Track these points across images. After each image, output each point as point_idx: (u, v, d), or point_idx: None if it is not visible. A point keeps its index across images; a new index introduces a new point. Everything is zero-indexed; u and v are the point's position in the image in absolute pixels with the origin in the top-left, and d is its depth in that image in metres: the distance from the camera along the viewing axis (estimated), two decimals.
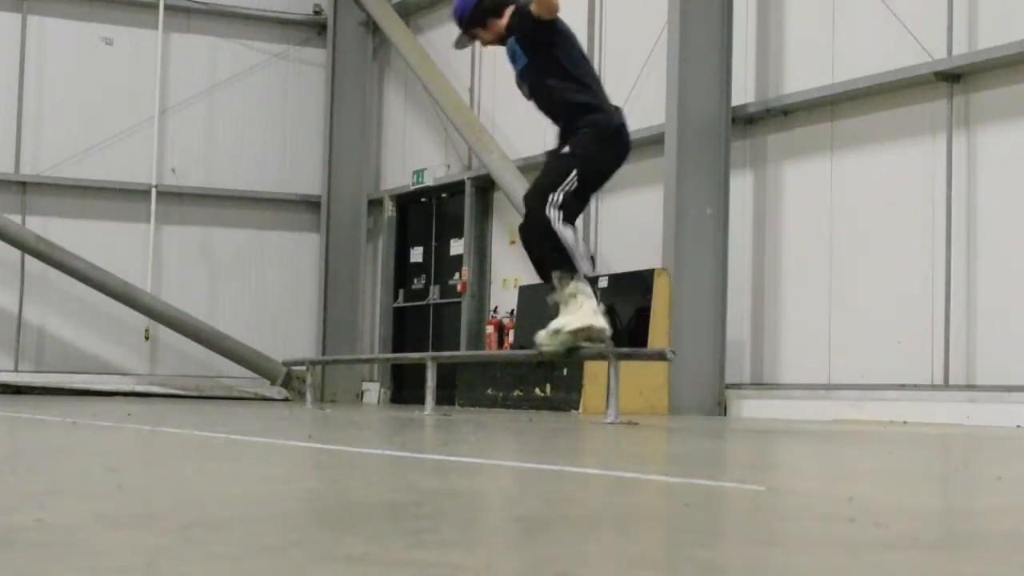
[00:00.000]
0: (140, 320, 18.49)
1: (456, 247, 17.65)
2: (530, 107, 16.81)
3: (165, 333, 18.60)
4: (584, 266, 7.69)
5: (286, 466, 4.41)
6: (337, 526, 2.48)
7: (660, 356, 10.24)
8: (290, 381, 18.84)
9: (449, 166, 18.03)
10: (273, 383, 18.92)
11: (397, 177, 19.17)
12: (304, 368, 15.49)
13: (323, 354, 18.88)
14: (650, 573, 1.95)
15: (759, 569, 2.03)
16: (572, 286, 7.61)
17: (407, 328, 18.79)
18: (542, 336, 7.78)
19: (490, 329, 16.24)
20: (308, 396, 14.52)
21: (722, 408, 12.85)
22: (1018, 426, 10.36)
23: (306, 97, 19.82)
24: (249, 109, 19.59)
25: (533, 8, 7.72)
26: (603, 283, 13.84)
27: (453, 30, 19.05)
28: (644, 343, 12.53)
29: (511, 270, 16.77)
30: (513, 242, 16.77)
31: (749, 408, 12.78)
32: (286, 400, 18.56)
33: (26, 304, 18.45)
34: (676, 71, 12.84)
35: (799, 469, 5.05)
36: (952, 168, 11.32)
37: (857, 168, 12.21)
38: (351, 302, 19.39)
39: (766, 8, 13.18)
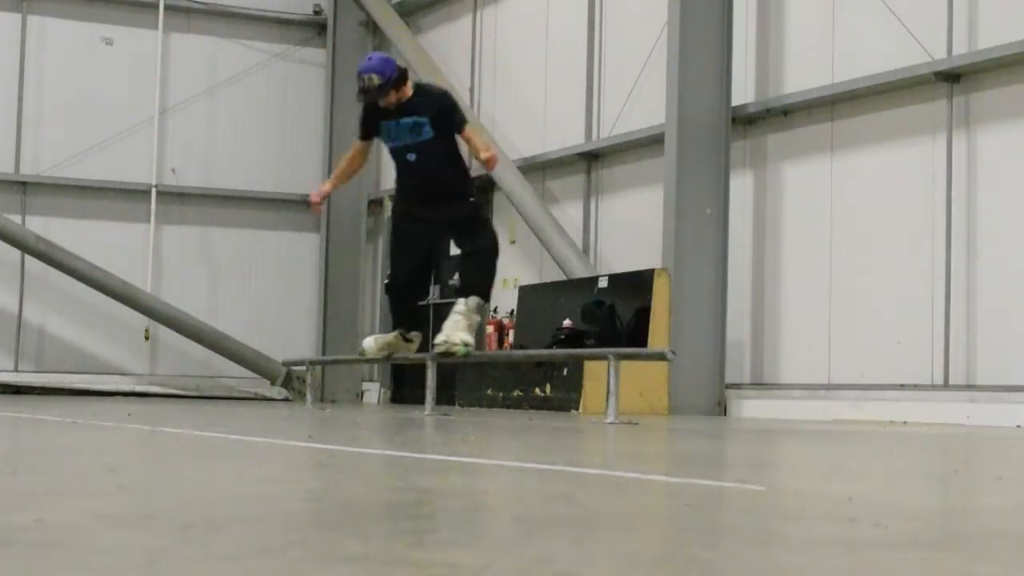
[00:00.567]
0: (140, 320, 18.48)
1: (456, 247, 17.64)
2: (530, 107, 16.87)
3: (165, 333, 18.60)
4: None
5: (286, 466, 4.41)
6: (337, 526, 2.48)
7: (660, 356, 10.24)
8: (290, 381, 18.84)
9: None
10: (273, 383, 18.92)
11: None
12: (304, 368, 15.49)
13: (323, 354, 18.88)
14: (650, 573, 1.95)
15: (759, 569, 2.03)
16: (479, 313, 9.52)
17: None
18: (468, 341, 9.60)
19: (490, 329, 16.23)
20: (308, 396, 14.52)
21: (722, 408, 12.85)
22: (1018, 426, 10.36)
23: (306, 97, 19.82)
24: (249, 109, 19.59)
25: (468, 135, 9.02)
26: (603, 283, 13.84)
27: (453, 30, 19.06)
28: (644, 343, 12.53)
29: (511, 270, 16.77)
30: (513, 241, 16.76)
31: (749, 408, 12.78)
32: (286, 400, 18.56)
33: (26, 304, 18.45)
34: (676, 71, 12.84)
35: (799, 469, 5.05)
36: (952, 168, 11.32)
37: (857, 168, 12.21)
38: (351, 302, 19.39)
39: (766, 8, 13.18)
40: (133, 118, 18.93)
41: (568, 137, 15.66)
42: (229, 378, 18.99)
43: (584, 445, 6.41)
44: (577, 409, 12.75)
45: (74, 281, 17.85)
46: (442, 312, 17.84)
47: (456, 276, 10.37)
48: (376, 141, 9.71)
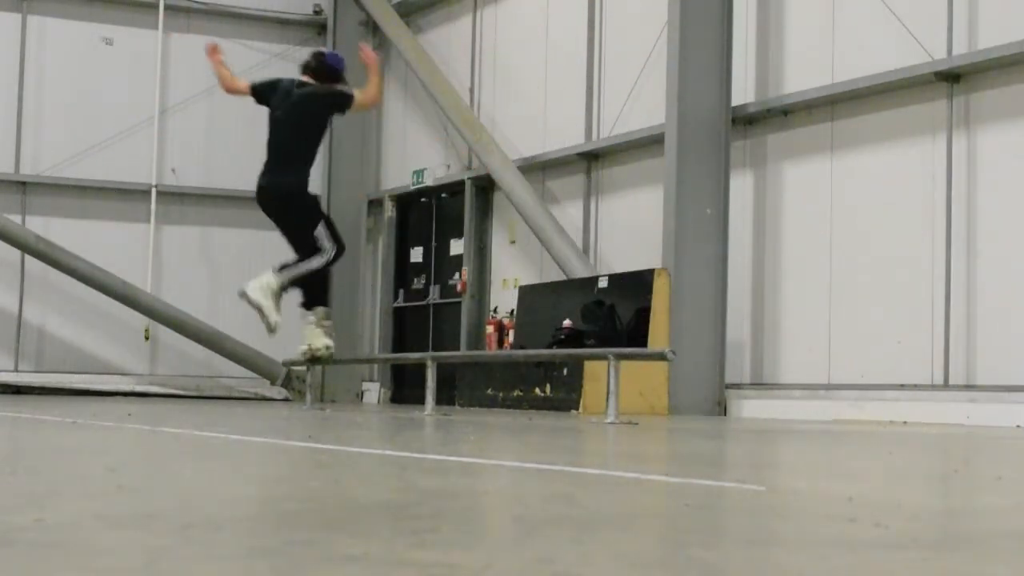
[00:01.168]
0: (140, 320, 18.48)
1: (456, 247, 17.65)
2: (530, 107, 16.84)
3: (165, 333, 18.59)
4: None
5: (286, 466, 4.41)
6: (337, 526, 2.48)
7: (660, 356, 10.24)
8: (290, 381, 18.84)
9: (449, 166, 18.03)
10: (273, 383, 18.92)
11: (397, 177, 19.17)
12: (304, 368, 15.50)
13: None
14: (650, 573, 1.95)
15: (759, 569, 2.03)
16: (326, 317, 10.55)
17: (407, 328, 18.79)
18: (329, 344, 10.76)
19: (490, 329, 16.24)
20: (308, 396, 14.52)
21: (722, 408, 12.85)
22: (1018, 426, 10.36)
23: None
24: (249, 109, 19.53)
25: (359, 96, 10.60)
26: (603, 283, 13.84)
27: (453, 30, 19.07)
28: (644, 343, 12.54)
29: (511, 270, 16.77)
30: (513, 241, 16.77)
31: (749, 408, 12.78)
32: (286, 400, 18.56)
33: (26, 304, 18.45)
34: (676, 71, 12.84)
35: (799, 469, 5.05)
36: (952, 168, 11.32)
37: (857, 168, 12.21)
38: (351, 302, 19.39)
39: (766, 8, 13.18)
40: (133, 118, 18.93)
41: (568, 137, 15.67)
42: (229, 378, 18.99)
43: (584, 445, 6.41)
44: (577, 409, 12.75)
45: (74, 281, 17.84)
46: (441, 311, 17.90)
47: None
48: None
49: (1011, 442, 7.62)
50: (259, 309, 10.75)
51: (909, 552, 2.25)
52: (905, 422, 11.00)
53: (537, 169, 16.22)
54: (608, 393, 9.36)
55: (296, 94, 10.74)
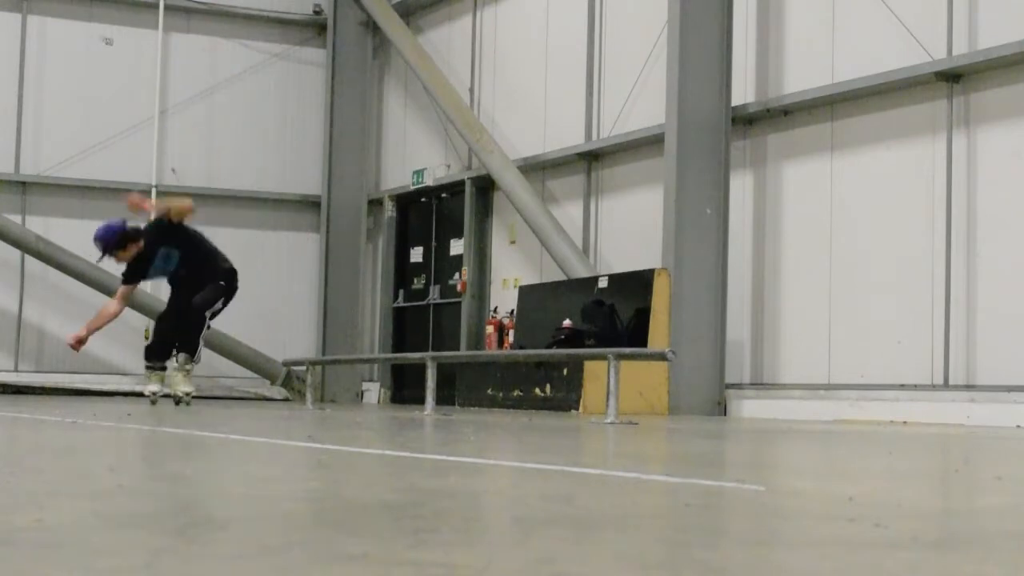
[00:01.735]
0: (140, 320, 18.47)
1: (456, 247, 17.65)
2: (530, 107, 16.88)
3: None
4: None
5: (286, 466, 4.41)
6: (337, 526, 2.48)
7: (660, 356, 10.25)
8: (290, 381, 18.84)
9: (449, 166, 18.03)
10: (273, 383, 18.92)
11: (397, 177, 19.17)
12: (304, 368, 15.50)
13: (323, 354, 18.88)
14: (650, 573, 1.95)
15: (759, 569, 2.03)
16: (192, 366, 12.09)
17: (407, 328, 18.79)
18: (188, 390, 12.09)
19: (490, 329, 16.24)
20: (308, 396, 14.52)
21: (722, 408, 12.85)
22: (1018, 426, 10.36)
23: (306, 97, 19.82)
24: (249, 109, 19.59)
25: (171, 215, 11.72)
26: (603, 283, 13.85)
27: (453, 30, 19.07)
28: (644, 343, 12.54)
29: (511, 270, 16.77)
30: (513, 242, 16.77)
31: (749, 408, 12.78)
32: (286, 400, 18.56)
33: (26, 304, 18.45)
34: (676, 71, 12.84)
35: (799, 469, 5.05)
36: (952, 168, 11.32)
37: (857, 168, 12.21)
38: (351, 302, 19.39)
39: (766, 8, 13.18)
40: (133, 118, 18.93)
41: (568, 137, 15.67)
42: (229, 378, 18.98)
43: (584, 445, 6.41)
44: (577, 409, 12.75)
45: (74, 281, 17.84)
46: (441, 311, 17.90)
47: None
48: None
49: (1011, 442, 7.62)
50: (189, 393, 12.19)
51: (909, 552, 2.25)
52: (905, 422, 11.00)
53: (537, 169, 16.22)
54: (608, 393, 9.36)
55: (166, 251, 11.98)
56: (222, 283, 12.03)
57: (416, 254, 18.72)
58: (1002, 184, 10.98)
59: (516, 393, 13.80)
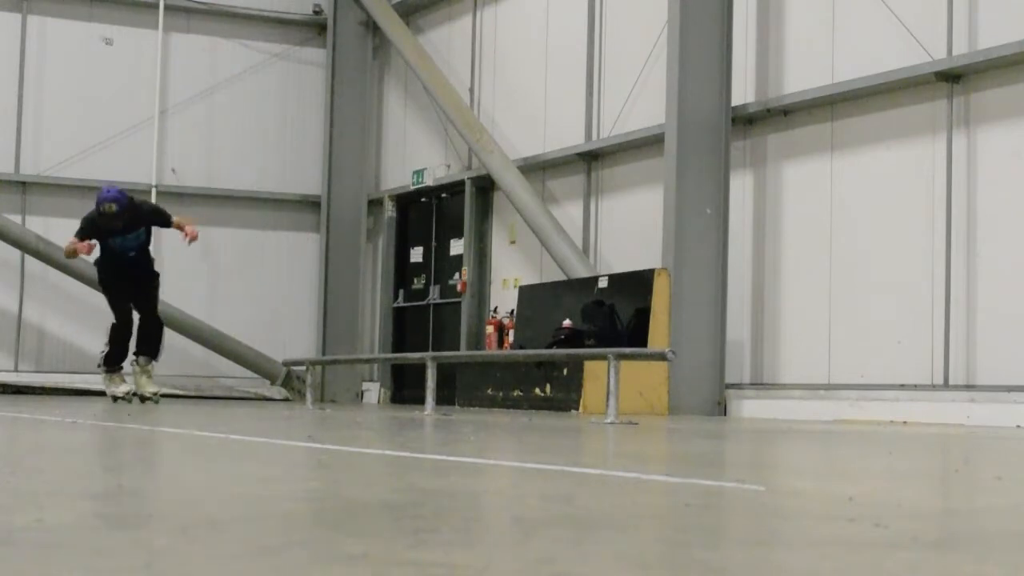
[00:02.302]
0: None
1: (456, 247, 17.65)
2: (530, 107, 16.89)
3: (165, 333, 18.57)
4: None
5: (286, 466, 4.41)
6: (337, 526, 2.48)
7: (660, 356, 10.25)
8: (290, 381, 18.84)
9: (449, 166, 18.03)
10: (273, 383, 18.92)
11: (397, 177, 19.17)
12: (304, 368, 15.50)
13: (323, 354, 18.88)
14: (650, 573, 1.95)
15: (759, 569, 2.03)
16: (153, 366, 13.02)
17: (407, 328, 18.79)
18: (155, 390, 12.92)
19: (490, 329, 16.24)
20: (308, 396, 14.52)
21: (722, 408, 12.85)
22: (1018, 426, 10.36)
23: (306, 97, 19.82)
24: (249, 109, 19.59)
25: (175, 224, 12.97)
26: (603, 283, 13.85)
27: (453, 30, 19.04)
28: (644, 343, 12.54)
29: (511, 270, 16.77)
30: (513, 242, 16.77)
31: (749, 408, 12.78)
32: (286, 400, 18.56)
33: (26, 304, 18.45)
34: (676, 71, 12.85)
35: (799, 469, 5.05)
36: (952, 168, 11.32)
37: (857, 168, 12.21)
38: (351, 302, 19.39)
39: (766, 8, 13.18)
40: (133, 118, 18.92)
41: (568, 137, 15.67)
42: (229, 378, 18.98)
43: (584, 445, 6.41)
44: (577, 409, 12.75)
45: (74, 281, 17.84)
46: (441, 311, 17.89)
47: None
48: None
49: (1011, 442, 7.62)
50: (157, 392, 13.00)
51: (909, 552, 2.25)
52: (905, 422, 11.00)
53: (537, 169, 16.22)
54: (608, 393, 9.36)
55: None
56: (157, 284, 13.15)
57: (416, 254, 18.72)
58: (1002, 184, 10.97)
59: (516, 393, 13.80)
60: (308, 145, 19.77)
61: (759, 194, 13.20)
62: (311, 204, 19.72)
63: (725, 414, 12.84)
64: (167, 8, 19.07)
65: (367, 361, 19.11)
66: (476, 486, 3.64)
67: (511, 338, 15.48)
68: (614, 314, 13.36)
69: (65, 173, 18.58)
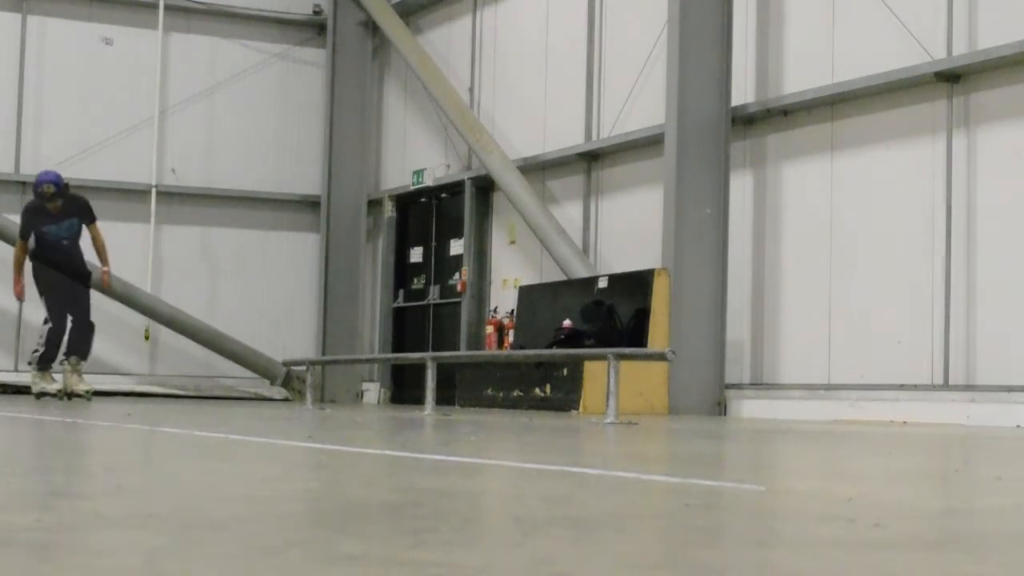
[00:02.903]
0: (140, 320, 18.48)
1: (456, 247, 17.65)
2: (530, 108, 16.87)
3: (165, 333, 18.59)
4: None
5: (286, 466, 4.41)
6: (337, 526, 2.48)
7: (660, 356, 10.25)
8: (290, 381, 18.84)
9: (449, 166, 18.03)
10: (273, 383, 18.92)
11: (397, 177, 19.17)
12: (304, 368, 15.50)
13: (323, 354, 18.88)
14: (650, 573, 1.95)
15: (759, 569, 2.03)
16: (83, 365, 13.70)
17: (407, 328, 18.79)
18: (88, 390, 13.60)
19: (490, 329, 16.24)
20: (308, 396, 14.52)
21: (722, 408, 12.85)
22: (1018, 426, 10.36)
23: (306, 97, 19.81)
24: (249, 109, 19.59)
25: (98, 247, 13.80)
26: (603, 283, 13.85)
27: (453, 30, 19.03)
28: (644, 343, 12.54)
29: (511, 270, 16.77)
30: (513, 242, 16.77)
31: (749, 408, 12.78)
32: (286, 400, 18.56)
33: (26, 304, 18.44)
34: (676, 71, 12.85)
35: (799, 469, 5.05)
36: (952, 168, 11.32)
37: (857, 168, 12.21)
38: (351, 302, 19.39)
39: (766, 8, 13.18)
40: (133, 118, 18.92)
41: (568, 137, 15.67)
42: (229, 378, 18.98)
43: (584, 445, 6.41)
44: (577, 409, 12.75)
45: None
46: (440, 311, 17.89)
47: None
48: None
49: (1011, 442, 7.62)
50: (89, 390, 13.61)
51: (909, 552, 2.25)
52: (905, 422, 11.00)
53: (537, 169, 16.22)
54: (608, 393, 9.36)
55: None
56: (89, 288, 13.81)
57: (416, 254, 18.72)
58: (1002, 184, 10.97)
59: (516, 393, 13.80)
60: (308, 145, 19.77)
61: (759, 194, 13.20)
62: (311, 204, 19.72)
63: (725, 414, 12.84)
64: (167, 8, 19.07)
65: (367, 361, 19.11)
66: (476, 486, 3.64)
67: (511, 338, 15.48)
68: (614, 314, 13.36)
69: (65, 173, 18.53)
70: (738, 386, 13.01)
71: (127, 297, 17.93)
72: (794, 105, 12.72)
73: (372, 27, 19.29)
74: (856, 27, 12.27)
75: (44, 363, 13.71)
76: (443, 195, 18.13)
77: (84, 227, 13.68)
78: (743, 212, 13.22)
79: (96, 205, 19.17)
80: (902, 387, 11.47)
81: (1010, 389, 10.61)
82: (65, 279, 13.52)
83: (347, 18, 19.49)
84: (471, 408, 14.05)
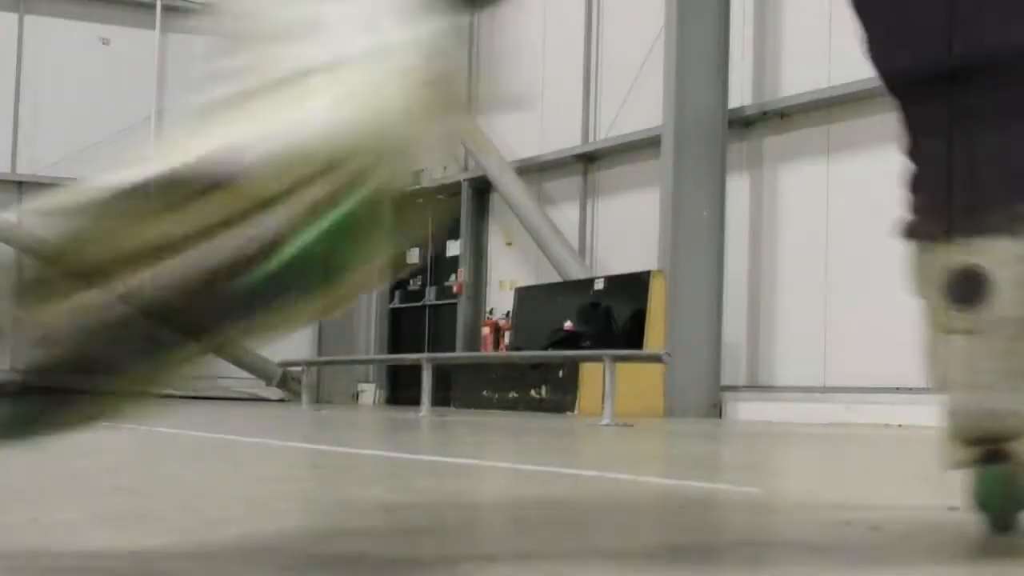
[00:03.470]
0: None
1: (453, 248, 17.66)
2: (527, 109, 16.84)
3: None
4: None
5: (282, 467, 4.42)
6: (333, 527, 2.48)
7: (656, 358, 10.26)
8: (286, 382, 18.85)
9: (446, 167, 18.04)
10: (269, 384, 18.92)
11: None
12: (300, 369, 15.50)
13: (319, 355, 18.89)
14: (647, 574, 1.96)
15: (755, 571, 2.04)
16: None
17: (403, 329, 18.79)
18: None
19: (486, 331, 16.25)
20: (304, 397, 14.53)
21: (718, 410, 12.85)
22: None
23: None
24: None
25: None
26: (599, 285, 13.86)
27: None
28: (640, 345, 12.54)
29: (508, 272, 16.78)
30: (510, 243, 16.78)
31: (745, 410, 12.78)
32: (282, 401, 18.56)
33: None
34: (673, 73, 12.86)
35: (794, 472, 5.06)
36: None
37: (854, 171, 12.22)
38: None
39: (763, 10, 13.19)
40: (130, 118, 18.93)
41: (565, 139, 15.68)
42: (225, 378, 18.98)
43: (580, 447, 6.41)
44: (573, 411, 12.76)
45: None
46: (437, 312, 17.88)
47: None
48: None
49: None
50: None
51: (904, 556, 2.26)
52: (900, 425, 11.00)
53: (534, 171, 16.22)
54: (604, 395, 9.36)
55: None
56: None
57: (413, 255, 18.73)
58: None
59: (512, 395, 13.81)
60: None
61: (756, 196, 13.21)
62: None
63: (721, 416, 12.85)
64: (164, 8, 19.07)
65: (363, 362, 19.12)
66: (472, 487, 3.64)
67: (507, 340, 15.49)
68: (610, 316, 13.37)
69: (62, 173, 18.56)
70: (734, 388, 13.01)
71: None
72: (791, 107, 12.73)
73: None
74: (853, 29, 12.26)
75: None
76: (440, 196, 18.13)
77: None
78: (740, 214, 13.23)
79: None
80: (898, 390, 11.48)
81: None
82: None
83: None
84: (467, 409, 14.05)
